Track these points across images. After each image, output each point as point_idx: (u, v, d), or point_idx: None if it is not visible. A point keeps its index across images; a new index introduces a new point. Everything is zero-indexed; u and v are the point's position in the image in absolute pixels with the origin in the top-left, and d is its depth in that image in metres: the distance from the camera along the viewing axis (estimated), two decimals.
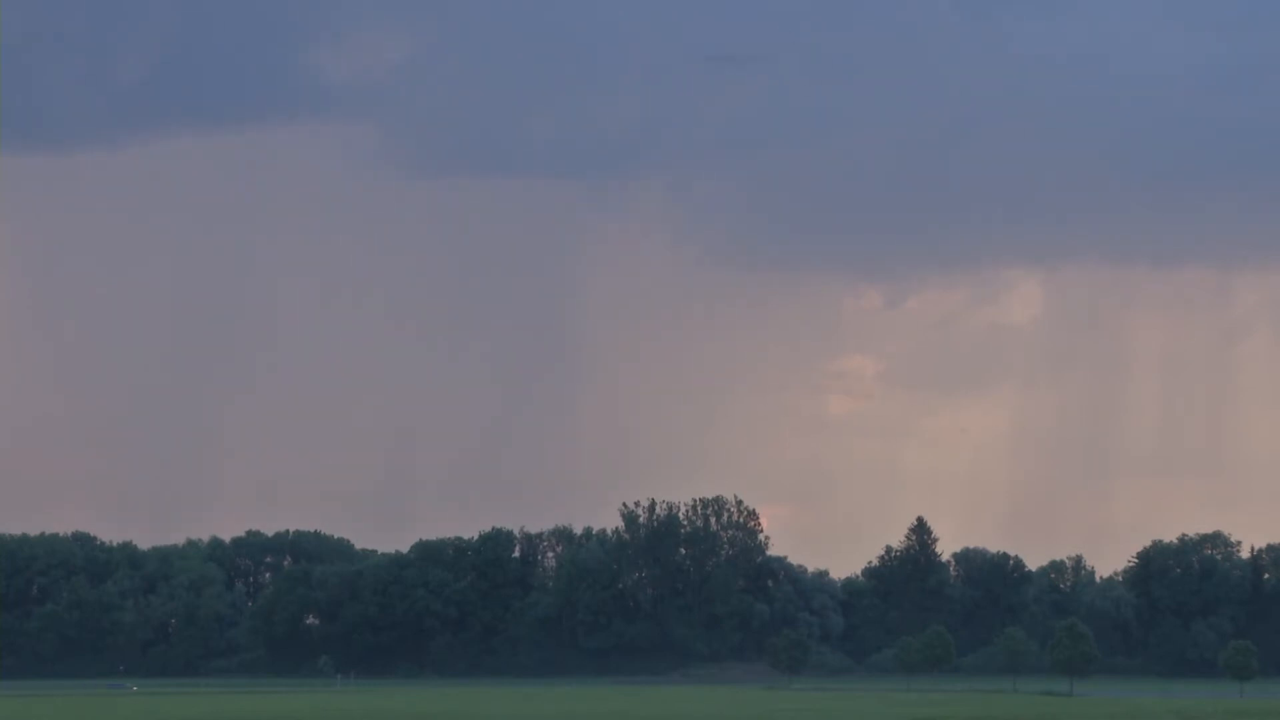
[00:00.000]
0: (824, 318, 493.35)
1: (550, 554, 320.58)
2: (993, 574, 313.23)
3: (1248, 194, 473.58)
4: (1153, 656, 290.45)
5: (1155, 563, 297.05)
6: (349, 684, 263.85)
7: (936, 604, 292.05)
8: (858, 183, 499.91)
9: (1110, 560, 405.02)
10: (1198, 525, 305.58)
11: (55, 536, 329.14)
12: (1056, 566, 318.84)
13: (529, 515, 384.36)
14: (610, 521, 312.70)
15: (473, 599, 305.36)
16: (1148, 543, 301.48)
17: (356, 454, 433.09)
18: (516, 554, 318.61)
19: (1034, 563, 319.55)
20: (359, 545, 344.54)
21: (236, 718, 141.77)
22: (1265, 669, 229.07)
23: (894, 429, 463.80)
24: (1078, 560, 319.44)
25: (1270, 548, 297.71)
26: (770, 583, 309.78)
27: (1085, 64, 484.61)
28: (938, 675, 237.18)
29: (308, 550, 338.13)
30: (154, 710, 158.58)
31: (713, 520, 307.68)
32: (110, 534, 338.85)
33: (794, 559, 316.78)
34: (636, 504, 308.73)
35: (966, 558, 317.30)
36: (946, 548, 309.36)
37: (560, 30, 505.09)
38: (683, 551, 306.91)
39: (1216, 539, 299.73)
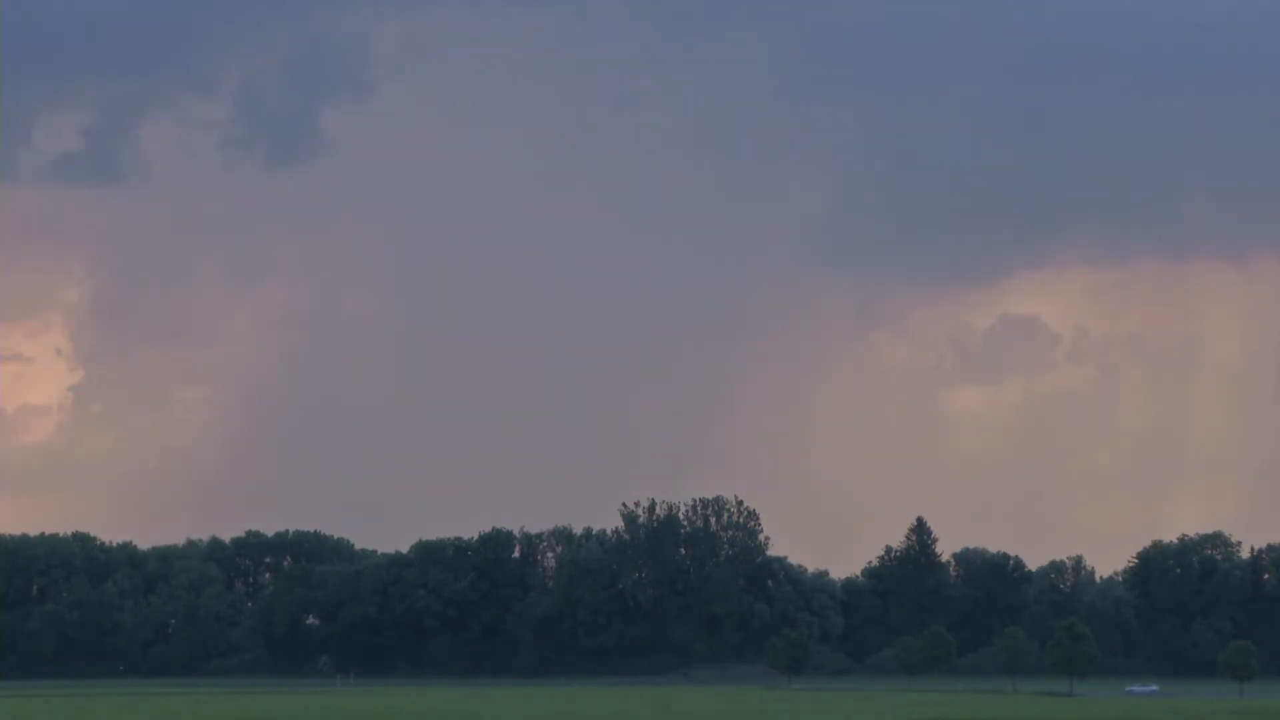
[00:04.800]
0: (825, 317, 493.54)
1: (550, 554, 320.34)
2: (993, 574, 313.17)
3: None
4: (1153, 656, 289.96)
5: (1155, 563, 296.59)
6: (349, 684, 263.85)
7: (936, 604, 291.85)
8: (856, 182, 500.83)
9: (1110, 560, 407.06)
10: (1198, 525, 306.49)
11: (55, 536, 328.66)
12: (1056, 566, 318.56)
13: (529, 515, 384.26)
14: (610, 521, 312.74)
15: (473, 599, 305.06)
16: (1148, 543, 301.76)
17: (356, 454, 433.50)
18: (516, 554, 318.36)
19: (1034, 563, 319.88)
20: (359, 545, 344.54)
21: (236, 718, 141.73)
22: (1265, 669, 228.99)
23: (896, 427, 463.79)
24: (1078, 560, 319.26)
25: (1270, 548, 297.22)
26: (770, 583, 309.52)
27: None
28: (938, 675, 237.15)
29: (308, 550, 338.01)
30: (154, 710, 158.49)
31: (713, 520, 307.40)
32: (110, 534, 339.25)
33: (794, 559, 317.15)
34: (636, 504, 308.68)
35: (966, 558, 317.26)
36: (946, 548, 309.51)
37: None
38: (683, 551, 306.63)
39: (1216, 539, 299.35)
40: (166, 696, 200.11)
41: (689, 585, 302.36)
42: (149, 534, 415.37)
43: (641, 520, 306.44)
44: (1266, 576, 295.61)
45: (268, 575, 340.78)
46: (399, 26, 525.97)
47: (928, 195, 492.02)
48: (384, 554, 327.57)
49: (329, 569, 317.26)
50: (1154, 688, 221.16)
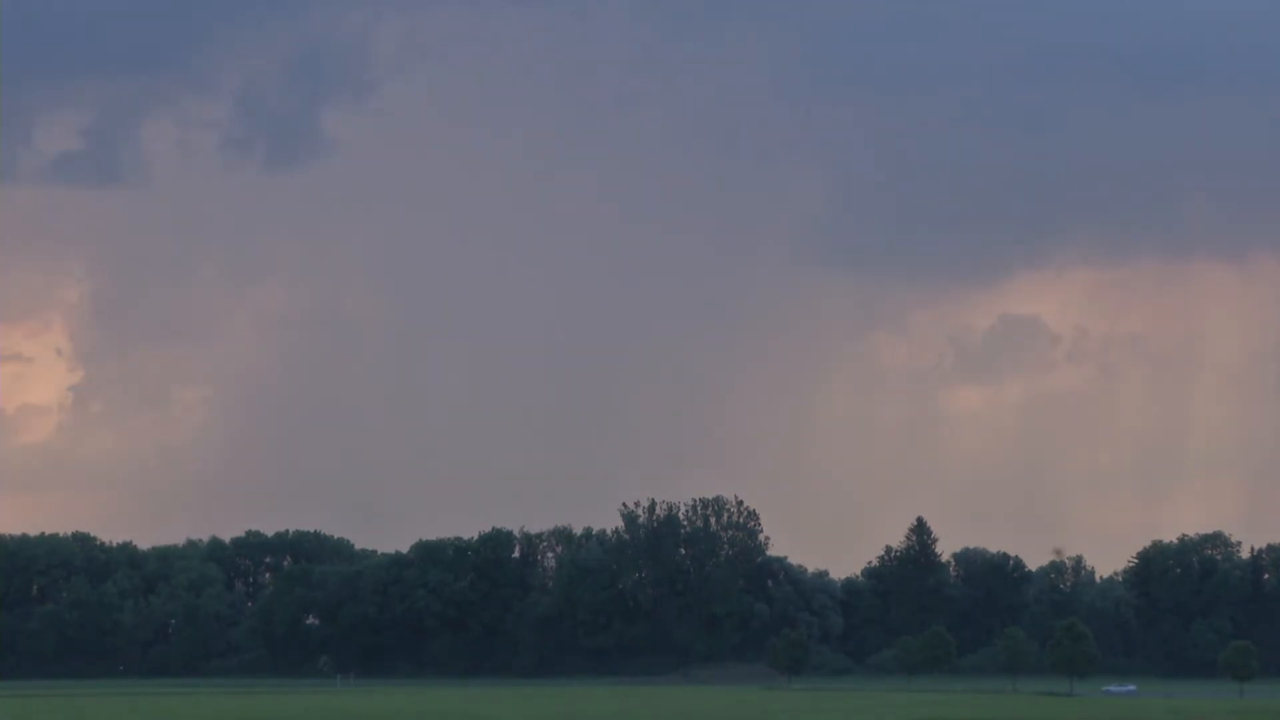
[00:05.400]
0: (825, 317, 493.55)
1: (550, 554, 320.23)
2: (993, 574, 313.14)
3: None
4: (1153, 656, 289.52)
5: (1155, 563, 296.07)
6: (349, 684, 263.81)
7: (936, 604, 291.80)
8: (856, 182, 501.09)
9: (1110, 560, 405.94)
10: (1198, 525, 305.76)
11: (55, 536, 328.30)
12: (1056, 567, 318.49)
13: (529, 515, 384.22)
14: (610, 521, 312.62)
15: (473, 599, 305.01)
16: (1148, 543, 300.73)
17: (356, 454, 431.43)
18: (516, 554, 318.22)
19: (1034, 563, 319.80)
20: (359, 545, 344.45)
21: (237, 718, 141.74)
22: (1265, 669, 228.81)
23: (896, 427, 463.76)
24: (1078, 560, 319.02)
25: (1270, 548, 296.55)
26: (770, 583, 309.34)
27: None
28: (938, 675, 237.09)
29: (308, 550, 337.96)
30: (154, 710, 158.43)
31: (713, 520, 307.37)
32: (110, 534, 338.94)
33: (794, 559, 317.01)
34: (636, 504, 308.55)
35: (966, 558, 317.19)
36: (946, 548, 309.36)
37: None
38: (683, 551, 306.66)
39: (1216, 539, 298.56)
40: (166, 696, 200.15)
41: (689, 585, 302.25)
42: (149, 534, 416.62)
43: (641, 520, 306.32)
44: (1266, 576, 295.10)
45: (268, 575, 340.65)
46: (399, 26, 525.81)
47: (928, 195, 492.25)
48: (384, 554, 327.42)
49: (329, 569, 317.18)
50: (1131, 687, 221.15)
